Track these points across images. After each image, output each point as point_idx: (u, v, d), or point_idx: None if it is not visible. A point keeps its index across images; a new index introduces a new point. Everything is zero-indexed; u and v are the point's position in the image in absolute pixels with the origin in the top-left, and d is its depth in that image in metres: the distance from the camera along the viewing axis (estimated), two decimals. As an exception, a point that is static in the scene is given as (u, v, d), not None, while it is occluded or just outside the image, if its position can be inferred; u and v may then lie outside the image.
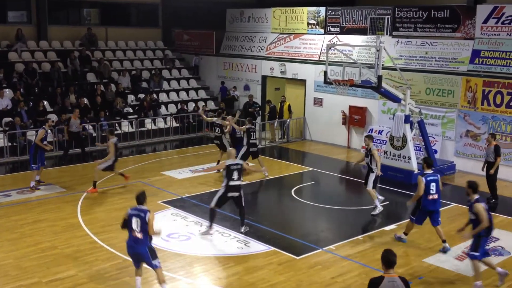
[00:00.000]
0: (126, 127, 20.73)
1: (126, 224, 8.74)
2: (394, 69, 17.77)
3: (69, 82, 21.51)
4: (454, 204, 14.10)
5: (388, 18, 16.13)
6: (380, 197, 13.31)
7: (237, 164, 11.46)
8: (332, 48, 17.67)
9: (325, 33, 21.46)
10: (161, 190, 14.70)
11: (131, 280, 9.41)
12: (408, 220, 11.54)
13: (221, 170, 12.68)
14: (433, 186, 10.81)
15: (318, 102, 21.33)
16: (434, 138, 17.70)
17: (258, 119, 22.01)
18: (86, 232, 11.69)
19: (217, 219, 12.07)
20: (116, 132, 20.11)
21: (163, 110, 22.78)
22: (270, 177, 16.35)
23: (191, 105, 23.58)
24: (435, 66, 18.18)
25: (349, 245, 11.32)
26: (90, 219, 12.43)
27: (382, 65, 16.38)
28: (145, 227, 8.53)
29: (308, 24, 22.08)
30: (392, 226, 12.36)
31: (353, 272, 10.02)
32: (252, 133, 16.10)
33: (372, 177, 12.71)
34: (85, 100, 20.56)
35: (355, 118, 19.99)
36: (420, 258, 10.67)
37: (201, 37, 26.33)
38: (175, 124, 21.92)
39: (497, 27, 16.86)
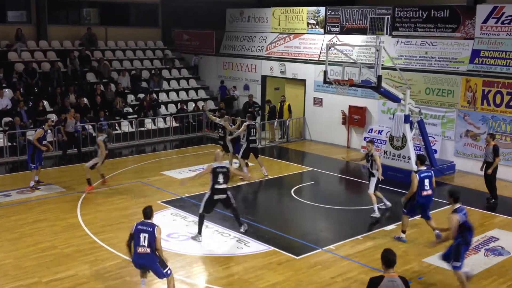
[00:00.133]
0: (125, 127, 20.73)
1: (133, 238, 8.56)
2: (394, 69, 17.77)
3: (69, 82, 21.50)
4: (454, 204, 14.08)
5: (387, 18, 16.17)
6: (388, 203, 13.27)
7: (223, 167, 11.26)
8: (332, 48, 17.67)
9: (325, 33, 21.46)
10: (161, 190, 14.70)
11: (131, 279, 9.42)
12: (402, 217, 11.60)
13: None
14: (427, 182, 11.00)
15: (318, 102, 21.33)
16: (433, 138, 17.70)
17: (258, 119, 22.01)
18: (86, 232, 11.69)
19: (217, 219, 12.08)
20: (115, 132, 20.25)
21: (162, 110, 22.78)
22: (270, 177, 16.35)
23: (191, 105, 23.58)
24: (434, 66, 18.18)
25: (348, 245, 11.32)
26: (90, 219, 12.42)
27: (382, 65, 16.39)
28: (154, 242, 8.35)
29: (308, 24, 22.08)
30: (392, 226, 12.36)
31: (353, 272, 10.02)
32: (252, 130, 16.10)
33: (373, 181, 12.65)
34: (85, 100, 20.56)
35: (355, 118, 19.98)
36: (420, 257, 10.67)
37: (200, 37, 26.33)
38: (174, 124, 21.92)
39: (497, 27, 16.86)
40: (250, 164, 16.42)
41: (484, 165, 14.30)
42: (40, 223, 12.21)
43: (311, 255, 10.77)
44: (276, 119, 21.49)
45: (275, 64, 22.76)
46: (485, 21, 17.09)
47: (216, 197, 11.27)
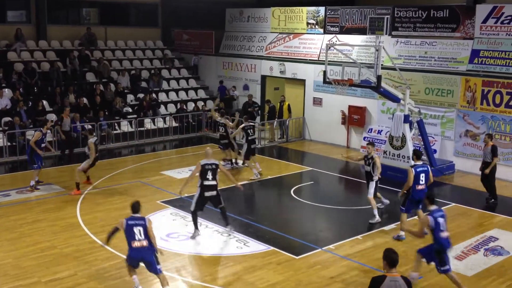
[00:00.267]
0: (125, 126, 20.72)
1: (113, 233, 8.87)
2: (394, 69, 17.78)
3: (69, 82, 21.49)
4: (454, 204, 14.11)
5: (387, 18, 16.14)
6: (385, 201, 13.27)
7: (211, 164, 11.26)
8: (332, 48, 17.68)
9: (325, 32, 21.46)
10: (160, 190, 14.69)
11: (130, 279, 9.40)
12: (401, 215, 11.70)
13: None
14: (422, 176, 11.23)
15: (317, 101, 21.33)
16: (433, 137, 17.70)
17: (258, 118, 22.03)
18: (86, 231, 11.69)
19: (216, 219, 12.08)
20: (115, 131, 20.24)
21: (162, 109, 22.77)
22: (270, 177, 16.35)
23: (191, 105, 23.57)
24: (434, 66, 18.19)
25: (348, 244, 11.32)
26: (89, 219, 12.42)
27: (382, 64, 16.40)
28: (147, 234, 8.58)
29: (308, 23, 22.08)
30: (392, 226, 12.37)
31: (353, 272, 10.02)
32: (249, 130, 16.21)
33: (372, 185, 12.52)
34: (85, 100, 20.55)
35: (355, 118, 19.98)
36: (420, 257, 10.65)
37: (200, 36, 26.33)
38: (174, 124, 21.92)
39: (497, 27, 16.86)
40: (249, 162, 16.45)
41: (483, 165, 14.30)
42: (40, 223, 12.21)
43: (310, 255, 10.77)
44: (276, 119, 21.49)
45: (275, 64, 22.76)
46: (484, 21, 17.09)
47: (206, 194, 11.27)
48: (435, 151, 17.33)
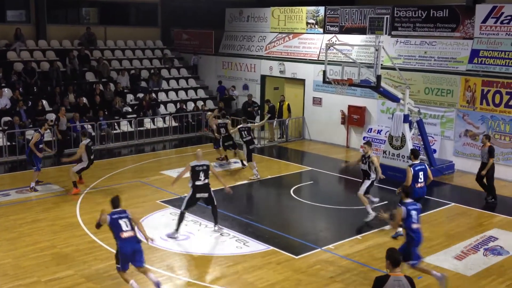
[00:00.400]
0: (125, 126, 20.72)
1: (99, 225, 9.05)
2: (393, 69, 17.78)
3: (68, 82, 21.49)
4: (453, 204, 14.12)
5: (387, 18, 16.16)
6: (374, 199, 13.20)
7: (202, 165, 11.27)
8: (331, 48, 17.68)
9: (324, 32, 21.46)
10: (160, 190, 14.69)
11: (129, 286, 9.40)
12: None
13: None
14: (421, 175, 11.48)
15: (317, 101, 21.33)
16: (433, 137, 17.71)
17: (257, 118, 22.03)
18: (85, 231, 11.68)
19: (219, 220, 12.04)
20: (115, 131, 20.23)
21: (162, 109, 22.77)
22: (269, 177, 16.36)
23: (190, 105, 23.57)
24: (434, 66, 18.19)
25: (348, 244, 11.33)
26: (89, 219, 12.40)
27: (381, 64, 16.39)
28: (133, 225, 8.92)
29: (307, 23, 22.08)
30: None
31: (352, 272, 10.02)
32: (243, 132, 16.29)
33: (366, 183, 12.49)
34: (84, 100, 20.55)
35: (354, 117, 19.99)
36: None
37: (200, 36, 26.32)
38: (174, 124, 21.92)
39: (496, 27, 16.86)
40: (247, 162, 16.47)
41: (481, 166, 14.34)
42: (39, 222, 12.21)
43: (310, 254, 10.77)
44: (276, 119, 21.48)
45: (275, 63, 22.76)
46: (484, 21, 17.10)
47: (198, 195, 11.31)
48: (434, 151, 17.33)
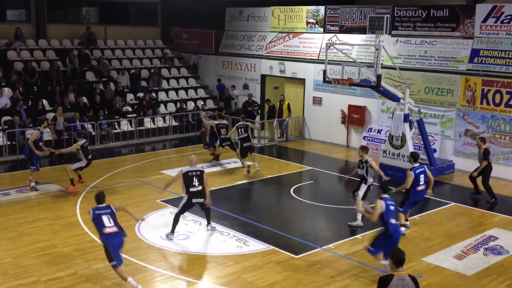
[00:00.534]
0: (125, 126, 20.72)
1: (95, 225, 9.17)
2: (393, 68, 17.77)
3: (68, 81, 21.49)
4: (454, 203, 14.12)
5: (387, 17, 16.13)
6: (360, 223, 12.96)
7: (196, 171, 11.22)
8: (331, 47, 17.66)
9: (324, 32, 21.46)
10: (160, 189, 14.65)
11: (128, 283, 9.41)
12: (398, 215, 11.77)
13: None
14: (421, 178, 11.67)
15: (317, 101, 21.33)
16: (433, 137, 17.71)
17: (257, 118, 22.03)
18: (85, 230, 11.68)
19: (216, 218, 12.07)
20: (115, 131, 20.23)
21: (162, 109, 22.77)
22: (269, 176, 16.36)
23: (190, 104, 23.57)
24: (434, 65, 18.18)
25: (348, 244, 11.33)
26: (89, 218, 12.34)
27: (381, 64, 16.39)
28: (116, 220, 9.14)
29: (307, 23, 22.07)
30: (391, 225, 12.35)
31: (352, 271, 10.02)
32: (240, 129, 16.51)
33: (363, 188, 12.42)
34: (84, 99, 20.55)
35: (354, 117, 19.98)
36: (419, 257, 10.68)
37: (200, 36, 26.31)
38: (174, 123, 21.91)
39: (496, 26, 16.86)
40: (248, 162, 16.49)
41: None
42: (39, 222, 12.21)
43: (310, 254, 10.77)
44: (276, 118, 21.49)
45: (275, 63, 22.76)
46: (484, 21, 17.09)
47: (194, 200, 11.24)
48: (435, 150, 17.33)
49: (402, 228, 11.70)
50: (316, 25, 21.79)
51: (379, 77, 15.45)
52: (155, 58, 25.76)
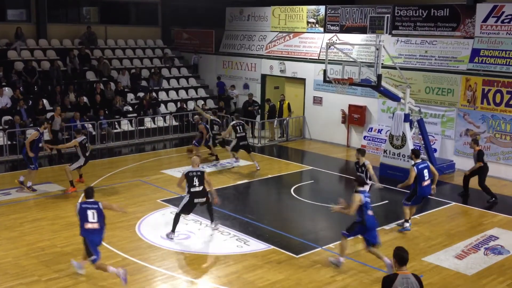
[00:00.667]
0: (125, 125, 20.72)
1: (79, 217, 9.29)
2: (394, 68, 17.77)
3: (69, 81, 21.49)
4: (454, 203, 14.11)
5: (387, 17, 16.12)
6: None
7: (196, 171, 11.27)
8: (332, 47, 17.66)
9: (325, 31, 21.45)
10: (161, 189, 14.69)
11: (130, 278, 9.42)
12: (404, 208, 12.13)
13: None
14: (425, 172, 11.78)
15: (317, 101, 21.32)
16: (433, 137, 17.70)
17: (258, 117, 22.04)
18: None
19: (216, 218, 12.06)
20: (115, 130, 20.23)
21: (162, 108, 22.77)
22: (270, 176, 16.36)
23: (191, 104, 23.56)
24: (434, 65, 18.18)
25: (348, 243, 11.30)
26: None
27: (382, 63, 16.38)
28: (101, 217, 9.27)
29: (308, 22, 22.07)
30: (392, 225, 12.38)
31: (353, 271, 10.02)
32: (238, 127, 16.72)
33: (365, 189, 12.48)
34: (85, 99, 20.55)
35: (355, 117, 19.98)
36: (420, 256, 10.67)
37: (200, 35, 26.32)
38: (174, 123, 21.92)
39: (497, 26, 16.85)
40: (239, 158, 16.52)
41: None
42: (40, 221, 12.21)
43: (310, 253, 10.77)
44: (276, 118, 21.49)
45: (275, 63, 22.75)
46: (485, 20, 17.08)
47: (196, 200, 11.28)
48: (435, 150, 17.33)
49: (407, 224, 11.95)
50: (317, 25, 21.79)
51: (379, 77, 15.45)
52: (156, 57, 25.76)
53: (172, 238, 11.27)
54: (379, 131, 19.27)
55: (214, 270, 10.04)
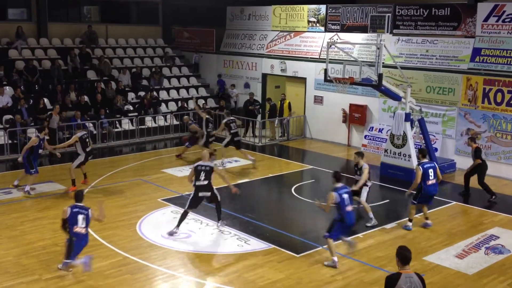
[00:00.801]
0: (126, 124, 20.73)
1: (65, 224, 9.45)
2: (395, 67, 17.75)
3: (70, 80, 21.50)
4: (454, 202, 14.11)
5: (388, 16, 16.11)
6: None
7: (206, 166, 11.35)
8: (333, 46, 17.66)
9: (326, 31, 21.44)
10: (161, 188, 14.70)
11: (131, 277, 9.43)
12: (409, 207, 12.25)
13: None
14: (431, 172, 11.82)
15: (318, 100, 21.32)
16: (434, 136, 17.69)
17: (259, 117, 22.03)
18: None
19: (224, 218, 12.03)
20: (116, 130, 20.24)
21: (163, 108, 22.77)
22: (270, 175, 16.36)
23: (191, 103, 23.55)
24: (435, 64, 18.17)
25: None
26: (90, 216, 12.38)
27: (383, 63, 16.38)
28: (88, 223, 9.52)
29: (309, 22, 22.06)
30: (393, 224, 12.38)
31: (353, 270, 10.02)
32: (231, 124, 17.11)
33: (365, 190, 12.42)
34: (86, 98, 20.56)
35: (356, 116, 19.97)
36: (420, 256, 10.67)
37: (201, 34, 26.31)
38: (175, 122, 21.91)
39: (498, 25, 16.83)
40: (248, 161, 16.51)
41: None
42: (41, 220, 12.21)
43: (311, 253, 10.77)
44: (277, 117, 21.48)
45: (276, 62, 22.75)
46: (486, 20, 17.07)
47: (200, 194, 11.38)
48: (436, 149, 17.32)
49: (409, 223, 12.08)
50: (318, 24, 21.78)
51: (380, 76, 15.45)
52: (156, 57, 25.77)
53: (176, 232, 11.35)
54: (380, 130, 19.27)
55: (215, 269, 10.05)
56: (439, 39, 18.28)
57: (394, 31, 19.29)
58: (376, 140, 19.33)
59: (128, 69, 23.51)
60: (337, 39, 20.40)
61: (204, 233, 11.66)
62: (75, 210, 9.44)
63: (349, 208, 10.06)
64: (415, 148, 16.35)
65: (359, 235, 11.73)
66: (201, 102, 23.75)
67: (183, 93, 24.39)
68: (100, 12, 26.06)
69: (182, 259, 10.42)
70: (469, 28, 17.60)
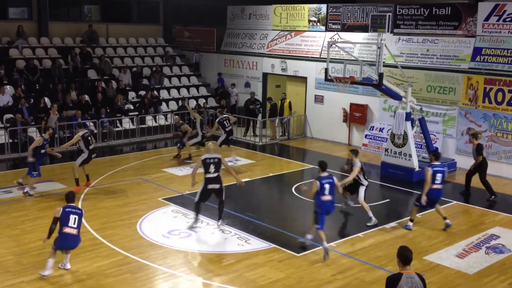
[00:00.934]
0: (127, 124, 20.74)
1: (56, 222, 9.42)
2: (395, 67, 17.75)
3: (70, 79, 21.51)
4: (455, 202, 14.10)
5: (389, 16, 16.11)
6: (350, 202, 13.05)
7: (214, 158, 11.42)
8: (333, 45, 17.65)
9: (326, 30, 21.44)
10: (162, 187, 14.71)
11: (131, 276, 9.44)
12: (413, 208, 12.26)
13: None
14: (438, 176, 11.69)
15: (319, 99, 21.31)
16: (435, 135, 17.69)
17: (259, 116, 22.04)
18: (87, 228, 11.67)
19: (216, 217, 12.06)
20: (116, 129, 20.24)
21: (164, 107, 22.77)
22: (271, 174, 16.36)
23: (192, 102, 23.56)
24: (436, 64, 18.16)
25: (349, 242, 11.33)
26: (90, 216, 12.41)
27: (383, 62, 16.38)
28: (80, 224, 9.46)
29: (309, 21, 22.06)
30: (393, 224, 12.38)
31: (354, 270, 10.03)
32: (225, 122, 17.22)
33: (362, 188, 12.41)
34: (86, 97, 20.57)
35: (356, 115, 19.97)
36: (421, 255, 10.67)
37: (202, 34, 26.32)
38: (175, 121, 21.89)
39: (499, 25, 16.82)
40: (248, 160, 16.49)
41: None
42: (41, 219, 12.21)
43: (312, 252, 10.77)
44: (278, 117, 21.49)
45: (276, 61, 22.75)
46: (486, 19, 17.06)
47: (210, 186, 11.47)
48: (436, 149, 17.31)
49: (410, 223, 12.11)
50: (318, 23, 21.77)
51: (381, 75, 15.45)
52: (157, 56, 25.77)
53: (196, 226, 11.56)
54: (381, 129, 19.26)
55: (215, 269, 10.05)
56: (440, 38, 18.27)
57: (395, 30, 19.29)
58: (377, 140, 19.33)
59: (129, 68, 23.51)
60: (337, 39, 20.39)
61: (205, 232, 11.66)
62: (67, 209, 9.47)
63: (326, 197, 10.32)
64: (415, 147, 16.36)
65: (360, 234, 11.74)
66: (201, 101, 23.78)
67: (184, 92, 24.40)
68: (100, 11, 26.08)
69: (182, 258, 10.42)
70: (470, 28, 17.60)
